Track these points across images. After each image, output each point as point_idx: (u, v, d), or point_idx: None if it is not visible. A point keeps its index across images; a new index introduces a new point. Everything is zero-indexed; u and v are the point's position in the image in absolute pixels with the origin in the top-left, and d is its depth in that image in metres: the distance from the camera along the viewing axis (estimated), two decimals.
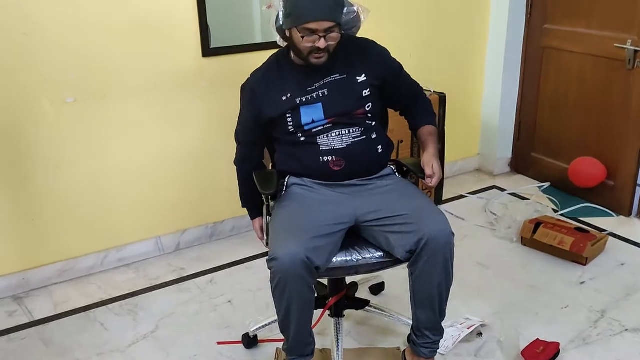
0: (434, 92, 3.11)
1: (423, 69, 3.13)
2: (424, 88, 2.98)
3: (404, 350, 2.01)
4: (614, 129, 3.08)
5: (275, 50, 2.03)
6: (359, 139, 1.89)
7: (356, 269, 1.85)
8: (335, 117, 1.88)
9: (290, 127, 1.89)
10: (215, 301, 2.50)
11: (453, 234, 1.74)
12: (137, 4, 2.48)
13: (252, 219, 2.12)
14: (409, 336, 1.95)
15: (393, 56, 2.02)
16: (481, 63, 3.56)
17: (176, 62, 2.64)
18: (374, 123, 1.95)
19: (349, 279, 2.19)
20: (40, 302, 2.53)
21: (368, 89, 1.91)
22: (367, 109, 1.91)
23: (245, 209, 2.12)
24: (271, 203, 1.99)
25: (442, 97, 3.10)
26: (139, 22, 2.51)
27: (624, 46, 2.89)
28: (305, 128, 1.89)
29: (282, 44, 1.99)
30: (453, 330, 2.19)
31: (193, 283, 2.64)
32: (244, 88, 1.98)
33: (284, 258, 1.65)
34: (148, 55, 2.57)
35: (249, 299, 2.50)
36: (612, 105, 3.05)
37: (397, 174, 2.02)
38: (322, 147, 1.88)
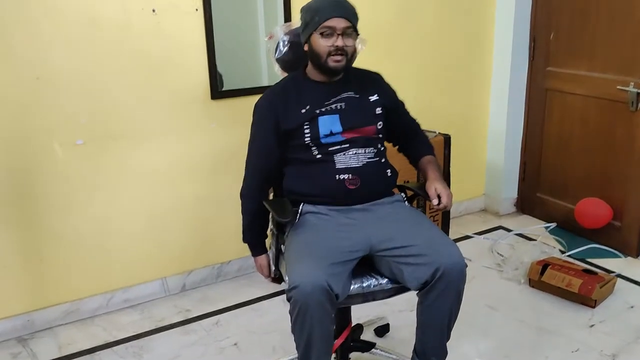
0: (438, 133, 3.14)
1: (427, 111, 3.17)
2: (429, 130, 3.05)
3: None
4: (619, 170, 3.09)
5: None
6: (372, 159, 1.95)
7: (373, 295, 1.85)
8: (352, 131, 1.93)
9: (307, 139, 1.91)
10: (221, 344, 2.47)
11: (466, 264, 1.77)
12: (147, 49, 2.54)
13: (255, 256, 2.10)
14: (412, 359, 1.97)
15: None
16: (485, 104, 3.61)
17: (185, 105, 2.69)
18: (383, 148, 2.02)
19: (355, 320, 2.18)
20: (44, 344, 2.51)
21: (380, 108, 2.00)
22: (379, 128, 1.99)
23: (246, 245, 2.10)
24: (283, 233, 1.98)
25: (447, 138, 3.13)
26: (149, 67, 2.57)
27: (627, 88, 2.93)
28: (323, 141, 1.91)
29: (280, 73, 2.06)
30: None
31: (199, 325, 2.62)
32: (258, 105, 2.00)
33: (305, 285, 1.63)
34: (158, 98, 2.62)
35: (256, 341, 2.47)
36: (617, 146, 3.07)
37: (407, 202, 2.04)
38: (338, 165, 1.91)
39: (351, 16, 1.88)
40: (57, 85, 2.41)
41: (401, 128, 2.13)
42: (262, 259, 2.09)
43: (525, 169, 3.65)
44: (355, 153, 1.92)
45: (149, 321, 2.66)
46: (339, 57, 1.88)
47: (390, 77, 2.16)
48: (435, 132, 3.12)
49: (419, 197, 2.07)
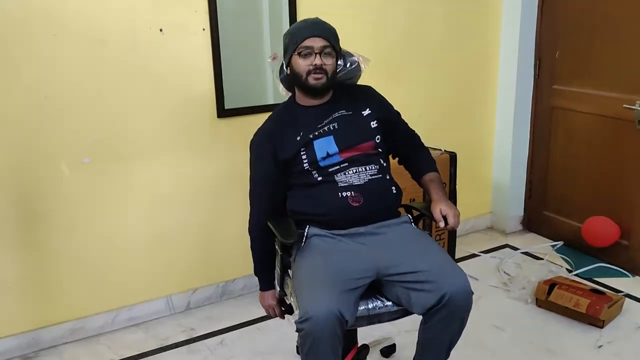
0: (444, 151, 3.14)
1: (433, 129, 3.18)
2: (435, 147, 3.05)
3: None
4: (626, 189, 3.07)
5: None
6: (375, 176, 1.94)
7: (379, 317, 1.84)
8: (349, 149, 1.93)
9: (305, 165, 1.92)
10: None
11: (472, 292, 1.75)
12: (154, 68, 2.56)
13: (263, 291, 2.08)
14: None
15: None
16: (491, 122, 3.61)
17: (192, 123, 2.70)
18: (385, 164, 2.01)
19: (359, 341, 2.16)
20: None
21: (375, 121, 2.00)
22: (377, 142, 1.98)
23: (251, 263, 2.08)
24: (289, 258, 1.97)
25: (453, 156, 3.12)
26: (156, 85, 2.58)
27: (633, 107, 2.92)
28: (321, 164, 1.92)
29: (285, 93, 2.08)
30: None
31: (203, 344, 2.60)
32: (254, 141, 2.03)
33: (318, 316, 1.61)
34: (164, 116, 2.63)
35: None
36: (623, 164, 3.06)
37: (412, 223, 2.01)
38: (340, 184, 1.91)
39: (329, 35, 1.92)
40: (64, 104, 2.42)
41: (399, 138, 2.11)
42: (268, 295, 2.07)
43: (531, 186, 3.64)
44: (356, 171, 1.92)
45: (153, 340, 2.65)
46: (318, 75, 1.90)
47: (396, 96, 2.17)
48: (440, 150, 3.12)
49: (424, 217, 2.05)
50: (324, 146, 1.92)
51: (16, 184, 2.41)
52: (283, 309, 2.10)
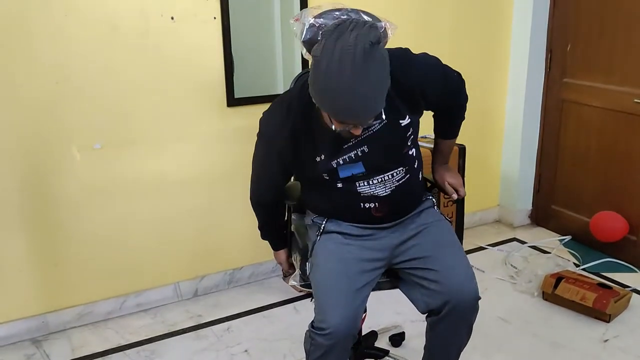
0: None
1: None
2: None
3: None
4: (635, 184, 3.06)
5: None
6: (402, 180, 1.70)
7: (379, 285, 1.83)
8: (378, 167, 1.68)
9: (325, 177, 1.69)
10: (232, 350, 2.48)
11: (479, 297, 1.72)
12: (165, 56, 2.57)
13: (275, 250, 2.00)
14: None
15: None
16: (501, 115, 3.59)
17: (202, 111, 2.71)
18: (416, 162, 1.77)
19: (368, 328, 2.17)
20: (58, 346, 2.53)
21: (411, 129, 1.67)
22: (410, 144, 1.70)
23: (259, 251, 2.08)
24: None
25: (462, 149, 3.12)
26: (167, 73, 2.59)
27: None
28: (342, 177, 1.70)
29: (306, 55, 1.75)
30: None
31: (210, 330, 2.63)
32: (263, 139, 1.73)
33: (337, 332, 1.60)
34: (174, 104, 2.64)
35: (266, 348, 2.48)
36: (634, 159, 3.04)
37: (435, 207, 1.86)
38: (363, 193, 1.69)
39: (375, 110, 1.45)
40: (76, 90, 2.44)
41: (436, 104, 1.80)
42: (281, 254, 2.00)
43: (540, 180, 3.63)
44: (382, 180, 1.68)
45: (161, 325, 2.68)
46: (356, 135, 1.56)
47: None
48: None
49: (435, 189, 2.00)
50: (350, 170, 1.66)
51: (27, 168, 2.43)
52: (290, 271, 2.01)
